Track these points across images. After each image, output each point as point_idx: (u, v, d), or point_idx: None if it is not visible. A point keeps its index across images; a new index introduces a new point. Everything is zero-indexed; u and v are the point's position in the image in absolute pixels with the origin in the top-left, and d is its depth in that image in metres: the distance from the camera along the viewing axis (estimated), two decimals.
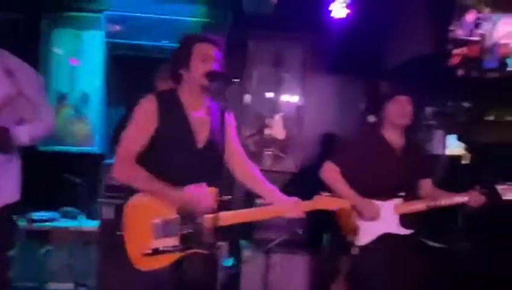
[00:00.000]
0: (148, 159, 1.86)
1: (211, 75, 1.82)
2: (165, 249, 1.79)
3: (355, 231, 2.36)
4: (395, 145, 2.45)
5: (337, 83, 4.19)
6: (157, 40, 3.89)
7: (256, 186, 2.05)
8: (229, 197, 1.89)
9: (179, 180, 1.80)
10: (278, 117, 4.04)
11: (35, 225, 3.51)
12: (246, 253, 3.55)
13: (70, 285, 3.32)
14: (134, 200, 1.84)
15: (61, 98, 3.98)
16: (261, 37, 4.07)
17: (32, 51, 3.87)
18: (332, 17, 3.77)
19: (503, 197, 2.29)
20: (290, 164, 4.09)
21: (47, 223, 3.55)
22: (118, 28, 3.93)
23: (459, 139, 3.41)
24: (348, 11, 3.70)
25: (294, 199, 1.95)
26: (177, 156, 1.85)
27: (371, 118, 2.86)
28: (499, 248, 2.72)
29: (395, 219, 2.35)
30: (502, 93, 3.11)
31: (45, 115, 2.09)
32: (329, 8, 3.75)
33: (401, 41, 3.79)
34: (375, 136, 2.47)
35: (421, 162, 2.50)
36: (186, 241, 1.81)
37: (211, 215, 1.78)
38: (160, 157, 1.86)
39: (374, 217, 2.32)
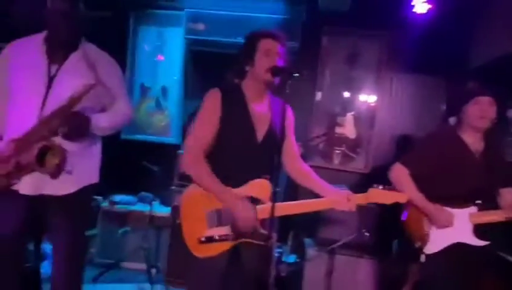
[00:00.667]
0: (211, 151, 1.94)
1: (274, 70, 1.85)
2: (218, 237, 1.86)
3: (424, 238, 2.25)
4: (474, 149, 2.29)
5: (415, 82, 3.99)
6: (234, 36, 3.99)
7: (307, 182, 2.08)
8: (279, 189, 1.92)
9: (237, 172, 1.89)
10: (349, 116, 3.96)
11: (115, 206, 3.81)
12: (310, 251, 3.55)
13: (143, 265, 3.53)
14: (190, 189, 1.94)
15: (145, 90, 4.26)
16: (336, 34, 4.00)
17: (120, 46, 4.22)
18: (411, 13, 3.61)
19: None
20: (360, 164, 3.99)
21: (125, 206, 3.83)
22: (197, 25, 4.08)
23: None
24: (429, 6, 3.52)
25: (347, 191, 1.95)
26: (237, 149, 1.92)
27: (452, 120, 2.71)
28: None
29: (469, 229, 2.21)
30: None
31: (123, 105, 2.23)
32: (411, 3, 3.60)
33: (485, 39, 3.51)
34: (453, 139, 2.32)
35: (501, 169, 2.30)
36: (238, 231, 1.86)
37: (264, 206, 1.82)
38: (221, 148, 1.93)
39: (446, 224, 2.20)
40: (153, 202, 3.71)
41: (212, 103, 1.93)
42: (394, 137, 3.97)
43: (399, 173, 2.32)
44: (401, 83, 4.01)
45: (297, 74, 1.74)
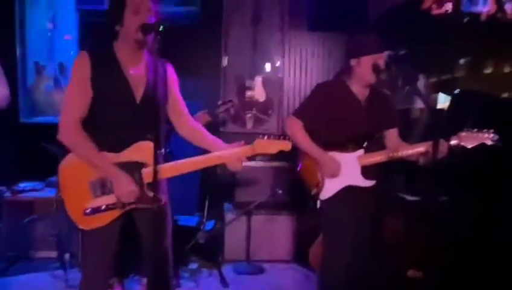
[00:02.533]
0: (89, 117, 1.83)
1: (144, 28, 1.75)
2: (104, 207, 1.78)
3: (318, 185, 2.32)
4: (361, 95, 2.37)
5: (319, 40, 4.07)
6: None
7: (201, 140, 2.02)
8: (165, 150, 1.87)
9: (118, 136, 1.80)
10: (258, 78, 3.96)
11: (19, 195, 3.56)
12: (228, 215, 3.57)
13: (55, 253, 3.36)
14: (69, 160, 1.82)
15: (40, 69, 3.96)
16: None
17: (7, 24, 3.86)
18: None
19: (466, 146, 2.21)
20: (272, 126, 4.03)
21: (31, 193, 3.59)
22: None
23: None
24: None
25: (236, 144, 1.92)
26: (115, 113, 1.83)
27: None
28: (475, 199, 2.65)
29: (358, 171, 2.31)
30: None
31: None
32: None
33: None
34: (339, 87, 2.38)
35: (385, 112, 2.40)
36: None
37: (149, 170, 1.76)
38: (98, 115, 1.82)
39: (334, 173, 2.27)
40: None
41: (80, 68, 1.80)
42: (304, 97, 4.03)
43: (292, 125, 2.36)
44: (305, 42, 4.07)
45: (162, 27, 1.65)
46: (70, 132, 1.79)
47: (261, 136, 1.93)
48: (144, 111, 1.83)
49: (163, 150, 1.91)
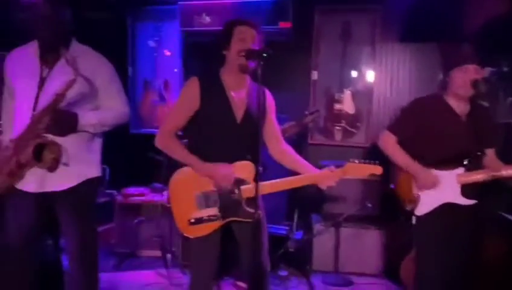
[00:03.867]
0: (194, 135, 2.08)
1: (247, 53, 1.93)
2: (206, 217, 1.99)
3: (414, 200, 2.32)
4: (460, 111, 2.33)
5: (410, 52, 4.00)
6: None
7: (292, 163, 2.17)
8: (261, 169, 2.02)
9: (220, 153, 2.00)
10: (347, 91, 4.00)
11: (129, 199, 3.99)
12: (317, 226, 3.65)
13: (159, 252, 3.71)
14: (178, 175, 2.06)
15: (147, 85, 4.40)
16: (327, 11, 4.04)
17: (121, 45, 4.37)
18: None
19: None
20: (361, 139, 4.04)
21: (139, 197, 4.01)
22: (191, 17, 4.17)
23: None
24: None
25: (326, 168, 2.05)
26: (217, 133, 2.04)
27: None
28: None
29: (457, 189, 2.27)
30: None
31: (116, 101, 2.33)
32: None
33: (476, 3, 3.48)
34: (437, 102, 2.36)
35: (486, 130, 2.33)
36: (225, 210, 1.99)
37: (248, 186, 1.93)
38: (204, 133, 2.05)
39: (431, 186, 2.26)
40: (164, 192, 3.86)
41: (189, 90, 2.04)
42: (393, 109, 3.99)
43: (386, 140, 2.39)
44: (396, 54, 4.02)
45: (265, 54, 1.82)
46: (163, 138, 2.06)
47: (351, 159, 2.01)
48: (243, 131, 2.02)
49: (261, 169, 2.06)
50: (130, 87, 4.43)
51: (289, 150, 2.22)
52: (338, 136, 4.05)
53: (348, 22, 4.00)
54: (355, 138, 4.05)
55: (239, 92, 2.08)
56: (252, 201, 1.92)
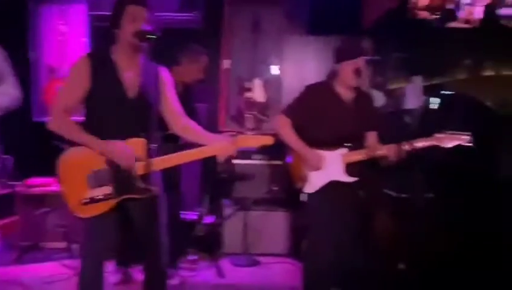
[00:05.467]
0: (87, 116, 2.05)
1: (139, 35, 1.95)
2: (100, 197, 1.98)
3: (303, 179, 2.49)
4: (346, 98, 2.54)
5: (316, 44, 4.24)
6: None
7: (194, 136, 2.17)
8: (155, 146, 2.05)
9: (112, 132, 1.98)
10: (257, 80, 4.14)
11: (32, 189, 3.80)
12: (227, 210, 3.76)
13: (64, 243, 3.59)
14: (67, 155, 2.02)
15: (52, 71, 4.19)
16: (238, 2, 4.14)
17: (22, 29, 4.12)
18: None
19: (443, 146, 2.36)
20: (271, 126, 4.20)
21: (43, 188, 3.82)
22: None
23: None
24: None
25: (225, 138, 2.09)
26: (109, 110, 2.02)
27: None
28: (460, 196, 2.79)
29: (341, 168, 2.47)
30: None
31: (9, 86, 2.24)
32: None
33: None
34: (327, 90, 2.55)
35: (368, 115, 2.57)
36: (119, 188, 1.99)
37: (141, 163, 1.95)
38: (96, 112, 2.03)
39: (318, 166, 2.44)
40: None
41: (78, 69, 2.00)
42: None
43: (280, 123, 2.53)
44: (304, 46, 4.24)
45: (154, 36, 1.85)
46: (56, 118, 2.00)
47: (245, 132, 2.11)
48: (136, 110, 2.01)
49: (155, 146, 2.08)
50: (32, 73, 4.18)
51: (192, 124, 2.21)
52: (249, 124, 4.17)
53: (257, 13, 4.13)
54: (266, 126, 4.20)
55: (131, 71, 2.07)
56: (146, 178, 1.94)
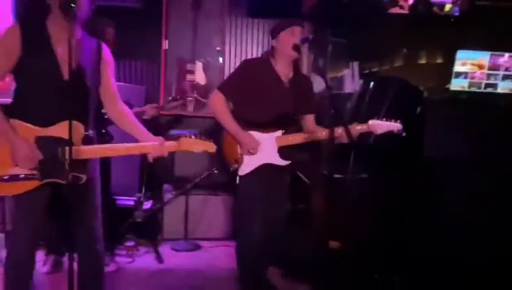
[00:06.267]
0: (19, 89, 1.89)
1: (62, 5, 1.77)
2: (23, 175, 1.85)
3: (238, 161, 2.43)
4: (283, 77, 2.47)
5: (258, 26, 4.22)
6: None
7: (127, 126, 2.07)
8: (92, 132, 1.97)
9: (45, 111, 1.86)
10: (198, 63, 4.05)
11: None
12: (167, 196, 3.69)
13: None
14: None
15: None
16: None
17: None
18: None
19: (376, 132, 2.42)
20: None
21: None
22: None
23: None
24: None
25: (160, 138, 2.00)
26: (44, 88, 1.87)
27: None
28: (395, 176, 2.91)
29: (275, 150, 2.43)
30: None
31: None
32: None
33: None
34: (263, 65, 2.47)
35: (305, 97, 2.54)
36: (44, 170, 1.86)
37: (69, 148, 1.82)
38: (29, 88, 1.87)
39: (252, 150, 2.38)
40: None
41: (8, 37, 1.84)
42: None
43: (215, 99, 2.43)
44: (245, 28, 4.20)
45: (73, 4, 1.72)
46: None
47: (187, 134, 2.03)
48: (71, 89, 1.84)
49: (91, 132, 1.98)
50: None
51: (127, 112, 2.10)
52: (190, 106, 4.10)
53: None
54: (207, 108, 4.14)
55: (67, 42, 1.81)
56: (77, 163, 1.84)
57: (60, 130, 1.87)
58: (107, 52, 2.07)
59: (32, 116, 1.86)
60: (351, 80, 3.76)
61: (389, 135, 2.47)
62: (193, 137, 2.04)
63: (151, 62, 4.06)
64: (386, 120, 2.44)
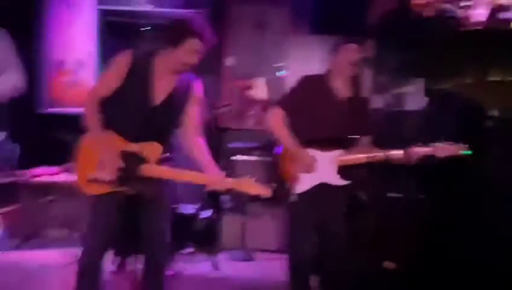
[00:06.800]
0: (111, 107, 2.12)
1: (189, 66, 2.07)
2: (101, 178, 2.07)
3: (293, 178, 2.43)
4: (341, 95, 2.47)
5: (321, 44, 4.25)
6: (145, 5, 4.09)
7: (194, 157, 2.20)
8: (168, 154, 2.17)
9: (133, 130, 2.08)
10: (260, 78, 4.17)
11: (36, 179, 3.89)
12: (225, 205, 3.81)
13: (66, 232, 3.68)
14: (87, 136, 2.13)
15: (59, 64, 4.28)
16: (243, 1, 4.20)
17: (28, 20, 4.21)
18: None
19: (438, 155, 2.33)
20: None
21: (47, 177, 3.91)
22: None
23: None
24: None
25: (222, 174, 2.13)
26: (135, 111, 2.10)
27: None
28: (452, 198, 2.80)
29: (333, 170, 2.41)
30: None
31: (11, 75, 2.31)
32: None
33: None
34: (322, 84, 2.47)
35: (362, 117, 2.50)
36: (120, 179, 2.08)
37: (146, 166, 2.06)
38: (118, 107, 2.11)
39: (308, 169, 2.39)
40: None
41: (118, 62, 2.08)
42: None
43: (272, 115, 2.48)
44: (308, 45, 4.25)
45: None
46: (90, 105, 2.11)
47: (249, 176, 2.14)
48: (157, 115, 2.10)
49: (168, 154, 2.18)
50: (38, 65, 4.28)
51: (200, 145, 2.23)
52: (250, 121, 4.22)
53: (262, 11, 4.18)
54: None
55: (166, 80, 2.12)
56: (148, 180, 2.07)
57: (142, 147, 2.10)
58: (197, 89, 2.23)
59: (121, 131, 2.10)
60: (414, 97, 3.68)
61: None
62: (254, 180, 2.15)
63: (213, 78, 4.24)
64: (451, 143, 2.34)
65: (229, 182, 2.12)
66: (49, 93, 4.26)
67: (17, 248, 3.57)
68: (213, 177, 2.11)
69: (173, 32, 2.06)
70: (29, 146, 4.06)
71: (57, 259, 3.35)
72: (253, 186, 2.13)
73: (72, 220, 3.71)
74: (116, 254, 3.19)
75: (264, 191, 2.14)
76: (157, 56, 2.12)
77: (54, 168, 4.02)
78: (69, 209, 3.72)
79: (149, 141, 2.09)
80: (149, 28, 2.06)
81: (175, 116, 2.16)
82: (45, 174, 3.92)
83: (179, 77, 2.15)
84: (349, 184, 2.46)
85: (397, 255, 2.84)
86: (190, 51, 2.03)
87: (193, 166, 2.18)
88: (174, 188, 3.25)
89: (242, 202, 3.73)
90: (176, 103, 2.14)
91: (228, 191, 2.20)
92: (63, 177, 3.91)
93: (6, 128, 3.66)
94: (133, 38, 4.13)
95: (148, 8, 4.04)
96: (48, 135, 3.97)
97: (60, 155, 4.09)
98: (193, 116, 2.23)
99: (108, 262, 3.07)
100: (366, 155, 2.42)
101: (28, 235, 3.72)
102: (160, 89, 2.11)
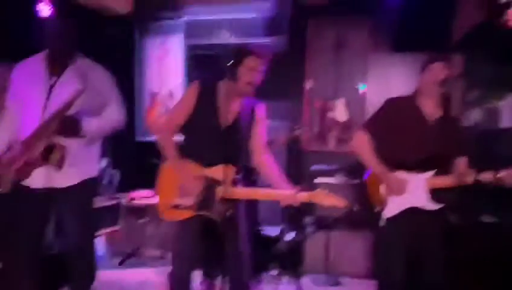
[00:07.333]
0: (185, 135, 2.31)
1: (252, 84, 2.18)
2: (182, 205, 2.23)
3: (382, 202, 2.39)
4: (430, 115, 2.38)
5: (401, 62, 4.16)
6: (226, 38, 4.34)
7: (266, 175, 2.33)
8: (240, 176, 2.27)
9: (206, 155, 2.22)
10: (340, 100, 4.18)
11: (134, 201, 4.25)
12: (308, 229, 3.82)
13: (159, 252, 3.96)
14: (166, 165, 2.31)
15: (153, 95, 4.69)
16: (321, 24, 4.25)
17: (128, 58, 4.69)
18: None
19: None
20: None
21: (143, 200, 4.26)
22: (195, 31, 4.46)
23: None
24: None
25: (294, 189, 2.17)
26: (206, 136, 2.25)
27: None
28: None
29: (425, 193, 2.32)
30: None
31: (113, 110, 2.57)
32: None
33: (460, 13, 3.64)
34: (408, 104, 2.41)
35: (456, 138, 2.40)
36: (199, 204, 2.22)
37: (221, 188, 2.17)
38: (192, 134, 2.29)
39: (398, 192, 2.33)
40: None
41: (188, 92, 2.29)
42: None
43: (358, 138, 2.47)
44: (389, 64, 4.18)
45: None
46: (167, 131, 2.29)
47: (322, 188, 2.17)
48: (227, 139, 2.22)
49: (240, 176, 2.29)
50: (136, 97, 4.72)
51: (269, 162, 2.35)
52: (331, 143, 4.22)
53: (341, 33, 4.20)
54: (348, 145, 4.20)
55: (232, 103, 2.27)
56: (225, 202, 2.17)
57: (216, 171, 2.22)
58: (260, 111, 2.37)
59: (196, 157, 2.25)
60: (509, 113, 3.43)
61: None
62: (326, 192, 2.16)
63: (294, 102, 4.33)
64: None
65: (303, 196, 2.16)
66: (145, 123, 4.66)
67: (118, 266, 3.89)
68: (285, 193, 2.18)
69: (233, 56, 2.20)
70: (128, 171, 4.50)
71: (153, 278, 3.62)
72: (327, 198, 2.15)
73: (166, 241, 3.96)
74: (204, 276, 3.35)
75: (339, 202, 2.15)
76: (223, 81, 2.28)
77: (150, 191, 4.37)
78: (162, 230, 3.99)
79: (222, 164, 2.20)
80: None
81: (243, 137, 2.28)
82: (142, 197, 4.27)
83: (243, 100, 2.28)
84: (442, 208, 2.35)
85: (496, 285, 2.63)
86: (249, 68, 2.15)
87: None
88: (255, 210, 3.38)
89: (327, 225, 3.71)
90: (243, 124, 2.26)
91: (303, 205, 2.21)
92: (157, 200, 4.21)
93: (107, 155, 4.10)
94: (216, 68, 4.38)
95: (230, 40, 4.27)
96: (144, 161, 4.32)
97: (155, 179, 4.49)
98: (259, 136, 2.36)
99: (197, 284, 3.25)
100: (458, 177, 2.30)
101: (128, 254, 4.05)
102: (228, 112, 2.25)
